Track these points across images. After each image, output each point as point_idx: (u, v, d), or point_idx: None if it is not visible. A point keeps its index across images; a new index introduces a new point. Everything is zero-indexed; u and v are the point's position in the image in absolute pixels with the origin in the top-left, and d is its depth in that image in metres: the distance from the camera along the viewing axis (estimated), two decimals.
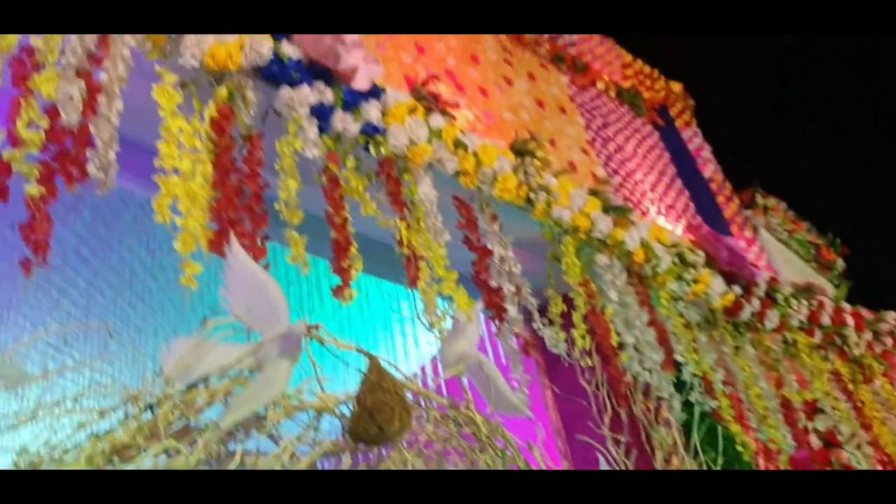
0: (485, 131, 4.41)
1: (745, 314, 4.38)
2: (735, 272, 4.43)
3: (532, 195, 3.46)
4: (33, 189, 1.93)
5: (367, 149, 2.91)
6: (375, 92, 2.98)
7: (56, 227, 2.05)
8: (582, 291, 3.46)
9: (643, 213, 4.85)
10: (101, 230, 4.22)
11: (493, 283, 3.12)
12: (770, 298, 4.66)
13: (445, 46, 4.88)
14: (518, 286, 3.15)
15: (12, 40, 2.05)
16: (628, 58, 6.46)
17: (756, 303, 4.47)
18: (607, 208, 3.82)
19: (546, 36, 5.63)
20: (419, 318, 2.67)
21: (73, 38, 2.12)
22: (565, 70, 5.58)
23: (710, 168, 6.33)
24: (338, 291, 2.53)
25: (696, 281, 4.09)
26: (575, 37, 5.95)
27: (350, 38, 2.90)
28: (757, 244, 6.02)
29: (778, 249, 6.29)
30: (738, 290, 4.39)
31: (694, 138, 6.54)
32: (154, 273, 4.54)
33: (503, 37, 5.44)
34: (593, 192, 3.87)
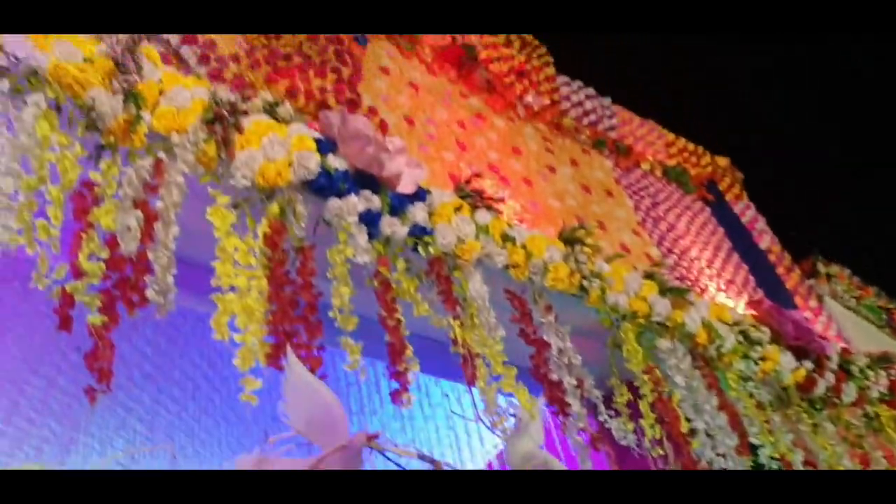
0: (532, 221, 4.43)
1: (820, 389, 4.20)
2: (803, 346, 4.27)
3: (585, 283, 3.43)
4: (96, 319, 1.99)
5: (416, 250, 2.94)
6: (421, 194, 3.03)
7: (119, 346, 2.10)
8: (647, 379, 3.37)
9: (702, 292, 4.75)
10: (163, 346, 4.31)
11: (554, 377, 3.06)
12: (844, 371, 4.46)
13: (486, 141, 4.97)
14: (580, 378, 3.08)
15: (73, 175, 2.16)
16: (671, 136, 6.48)
17: (830, 377, 4.28)
18: (664, 290, 3.76)
19: (585, 122, 5.70)
20: (480, 419, 2.62)
21: (130, 169, 2.21)
22: (608, 154, 5.62)
23: (766, 239, 6.21)
24: (396, 396, 2.51)
25: (763, 359, 3.96)
26: (615, 120, 6.01)
27: (393, 143, 2.98)
28: (824, 314, 5.82)
29: (847, 318, 6.07)
30: (809, 364, 4.22)
31: (746, 211, 6.45)
32: (216, 385, 4.59)
33: (542, 126, 5.54)
34: (648, 275, 3.82)
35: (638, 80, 9.01)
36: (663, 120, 6.51)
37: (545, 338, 3.14)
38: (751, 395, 3.80)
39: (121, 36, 2.36)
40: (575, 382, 3.07)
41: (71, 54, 2.25)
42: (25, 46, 2.17)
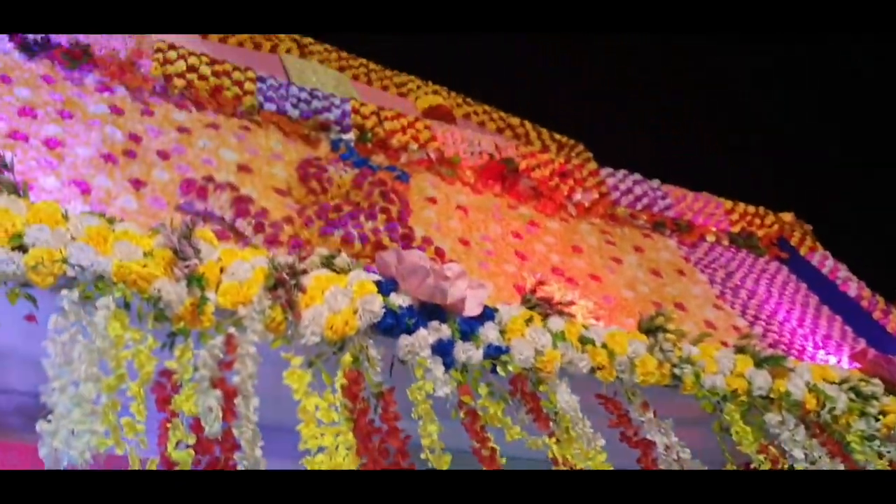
0: (609, 316, 4.35)
1: None
2: None
3: (677, 371, 3.30)
4: None
5: (495, 371, 2.88)
6: (489, 314, 3.00)
7: None
8: (764, 458, 3.17)
9: (799, 354, 4.53)
10: None
11: None
12: None
13: (545, 246, 4.97)
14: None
15: (150, 367, 2.21)
16: (728, 204, 6.38)
17: None
18: (760, 361, 3.58)
19: (639, 207, 5.68)
20: None
21: (203, 351, 2.26)
22: (669, 234, 5.55)
23: (853, 286, 5.94)
24: None
25: (883, 413, 3.69)
26: (669, 200, 5.98)
27: (451, 269, 2.98)
28: None
29: None
30: None
31: (825, 261, 6.21)
32: None
33: (597, 220, 5.53)
34: (740, 349, 3.66)
35: (638, 80, 9.03)
36: (665, 120, 6.38)
37: (648, 437, 3.00)
38: (880, 455, 3.52)
39: (175, 223, 2.47)
40: None
41: (131, 252, 2.35)
42: (88, 253, 2.28)
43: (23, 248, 2.25)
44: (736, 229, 6.05)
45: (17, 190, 2.54)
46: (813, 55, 8.57)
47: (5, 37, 4.51)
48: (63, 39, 4.73)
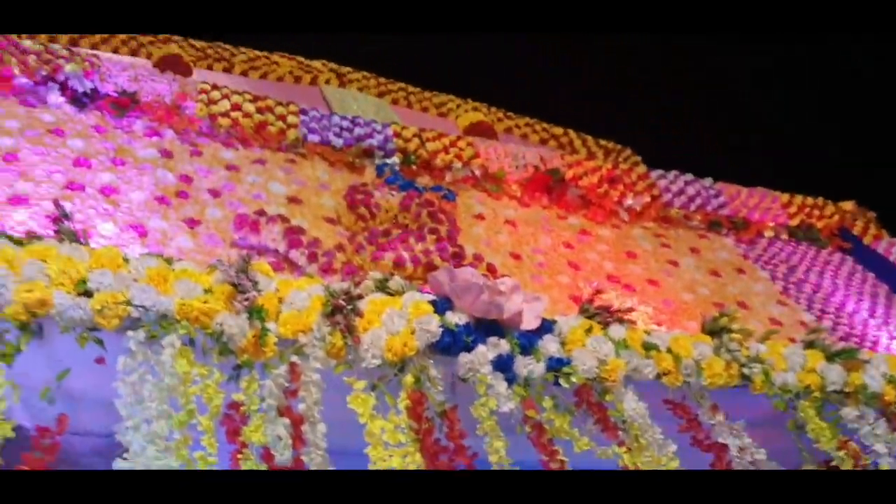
0: (670, 321, 4.27)
1: None
2: None
3: (745, 370, 3.22)
4: None
5: (558, 384, 2.85)
6: (547, 326, 2.97)
7: None
8: (844, 455, 3.07)
9: (873, 346, 4.37)
10: None
11: None
12: None
13: (598, 254, 4.92)
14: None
15: (218, 401, 2.25)
16: (785, 197, 6.23)
17: None
18: (831, 356, 3.47)
19: (693, 208, 5.59)
20: None
21: (268, 381, 2.29)
22: (726, 232, 5.44)
23: None
24: None
25: None
26: (722, 198, 5.87)
27: (505, 284, 2.96)
28: None
29: None
30: None
31: (892, 248, 6.01)
32: None
33: (651, 224, 5.46)
34: (809, 344, 3.55)
35: (638, 80, 8.96)
36: (665, 120, 6.26)
37: (720, 440, 2.93)
38: None
39: (231, 259, 2.52)
40: None
41: (192, 290, 2.41)
42: (151, 294, 2.34)
43: (88, 294, 2.32)
44: (795, 222, 5.90)
45: (77, 238, 2.62)
46: (813, 55, 8.51)
47: (56, 90, 4.67)
48: (109, 88, 4.89)
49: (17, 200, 3.62)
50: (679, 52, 8.56)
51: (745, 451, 2.92)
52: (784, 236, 5.68)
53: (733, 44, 8.27)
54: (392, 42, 7.03)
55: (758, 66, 9.23)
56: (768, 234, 5.58)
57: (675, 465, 2.66)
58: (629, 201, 5.48)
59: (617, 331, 3.09)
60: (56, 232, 2.68)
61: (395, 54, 7.76)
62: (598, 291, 3.47)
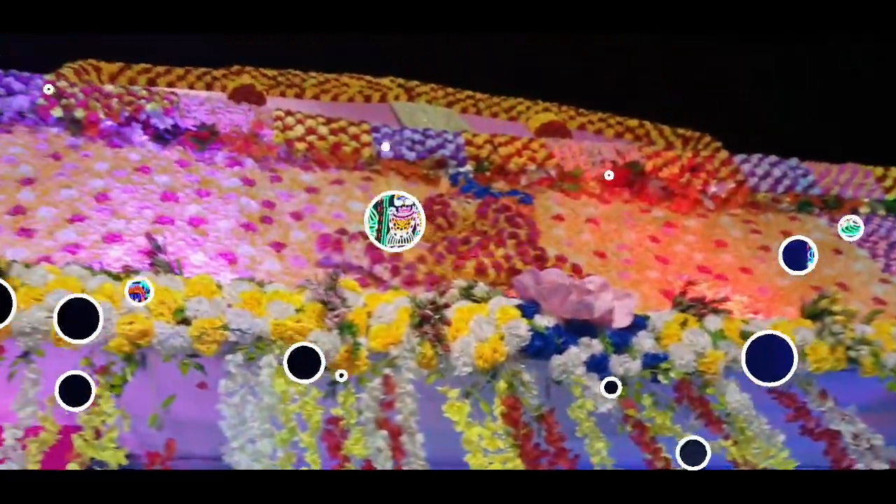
0: (767, 308, 4.13)
1: None
2: None
3: (852, 353, 3.07)
4: None
5: (656, 380, 2.78)
6: (640, 322, 2.91)
7: None
8: None
9: None
10: None
11: (860, 466, 2.70)
12: None
13: (686, 246, 4.81)
14: (891, 459, 2.69)
15: (318, 417, 2.29)
16: (878, 171, 5.95)
17: None
18: None
19: (780, 190, 5.41)
20: None
21: (364, 394, 2.31)
22: (818, 212, 5.24)
23: None
24: None
25: None
26: (811, 177, 5.66)
27: (593, 283, 2.91)
28: None
29: None
30: None
31: None
32: None
33: (738, 210, 5.31)
34: None
35: (638, 80, 8.78)
36: (665, 120, 6.05)
37: (832, 427, 2.80)
38: None
39: (319, 278, 2.56)
40: (886, 465, 2.69)
41: (284, 310, 2.47)
42: (246, 317, 2.40)
43: (186, 322, 2.39)
44: (892, 196, 5.63)
45: (172, 269, 2.71)
46: (813, 55, 8.31)
47: (139, 129, 4.87)
48: (189, 123, 5.07)
49: (112, 238, 3.78)
50: (679, 52, 8.49)
51: (860, 437, 2.79)
52: (881, 212, 5.42)
53: (733, 44, 8.19)
54: (393, 42, 7.06)
55: (758, 66, 9.10)
56: (864, 210, 5.34)
57: (784, 455, 2.56)
58: (713, 189, 5.33)
59: (713, 322, 2.99)
60: (151, 265, 2.78)
61: (397, 55, 7.79)
62: (691, 283, 3.38)
